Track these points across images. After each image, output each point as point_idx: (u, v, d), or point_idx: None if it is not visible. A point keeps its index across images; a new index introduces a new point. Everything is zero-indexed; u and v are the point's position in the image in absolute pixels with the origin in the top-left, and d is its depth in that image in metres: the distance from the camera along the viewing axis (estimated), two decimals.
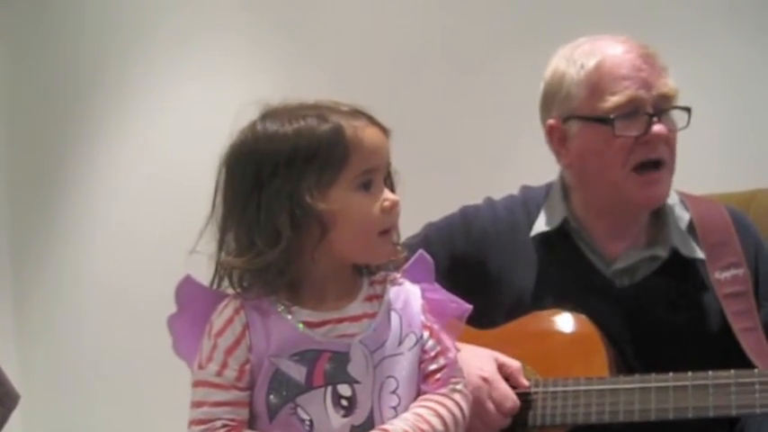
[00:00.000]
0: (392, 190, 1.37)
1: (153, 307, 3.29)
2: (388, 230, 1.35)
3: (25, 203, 3.61)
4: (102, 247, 3.49)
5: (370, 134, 1.34)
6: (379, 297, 1.37)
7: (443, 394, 1.35)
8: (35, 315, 3.59)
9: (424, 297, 1.39)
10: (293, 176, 1.29)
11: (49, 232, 3.57)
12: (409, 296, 1.39)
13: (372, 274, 1.39)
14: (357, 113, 1.36)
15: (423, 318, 1.37)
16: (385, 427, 1.30)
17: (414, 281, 1.42)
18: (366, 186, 1.33)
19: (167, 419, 2.85)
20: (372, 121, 1.36)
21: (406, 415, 1.32)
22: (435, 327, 1.38)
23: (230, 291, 1.35)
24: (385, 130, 1.36)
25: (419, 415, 1.31)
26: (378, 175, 1.34)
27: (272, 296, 1.32)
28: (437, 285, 1.44)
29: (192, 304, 1.35)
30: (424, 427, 1.30)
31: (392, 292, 1.38)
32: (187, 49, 3.35)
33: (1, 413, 1.89)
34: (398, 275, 1.40)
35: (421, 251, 1.46)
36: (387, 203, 1.33)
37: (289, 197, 1.28)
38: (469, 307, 1.43)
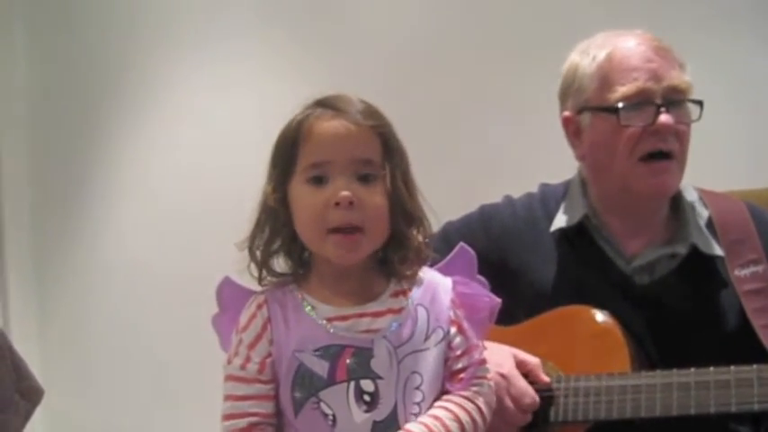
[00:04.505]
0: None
1: (175, 303, 3.33)
2: (340, 229, 1.28)
3: (47, 201, 3.62)
4: (124, 244, 3.51)
5: (323, 127, 1.29)
6: (406, 292, 1.34)
7: (466, 397, 1.34)
8: (58, 312, 3.61)
9: (455, 290, 1.37)
10: (269, 170, 1.35)
11: (70, 229, 3.59)
12: (438, 290, 1.36)
13: (396, 271, 1.35)
14: (330, 106, 1.31)
15: (451, 313, 1.35)
16: None
17: (453, 274, 1.39)
18: (318, 180, 1.29)
19: (189, 414, 2.86)
20: (342, 113, 1.30)
21: (424, 418, 1.30)
22: (464, 323, 1.36)
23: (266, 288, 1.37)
24: (360, 124, 1.30)
25: (437, 418, 1.30)
26: (332, 170, 1.29)
27: (295, 290, 1.34)
28: (480, 278, 1.42)
29: (232, 304, 1.37)
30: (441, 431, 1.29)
31: (420, 286, 1.35)
32: (207, 52, 3.36)
33: (25, 408, 1.88)
34: (421, 272, 1.37)
35: (461, 244, 1.44)
36: (332, 199, 1.27)
37: (263, 189, 1.34)
38: (499, 301, 1.41)
